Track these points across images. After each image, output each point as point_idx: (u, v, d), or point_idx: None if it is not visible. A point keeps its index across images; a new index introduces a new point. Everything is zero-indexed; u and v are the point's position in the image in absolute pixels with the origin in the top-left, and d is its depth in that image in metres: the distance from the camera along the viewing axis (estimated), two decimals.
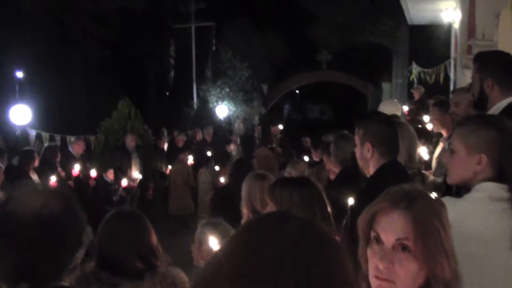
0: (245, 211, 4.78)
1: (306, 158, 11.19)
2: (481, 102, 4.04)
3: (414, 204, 2.04)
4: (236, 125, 18.63)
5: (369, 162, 3.79)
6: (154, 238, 3.23)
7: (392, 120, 4.00)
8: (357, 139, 3.86)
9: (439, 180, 6.17)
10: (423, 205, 2.04)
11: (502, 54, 4.18)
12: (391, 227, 2.03)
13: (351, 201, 3.84)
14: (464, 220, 2.65)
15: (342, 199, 4.76)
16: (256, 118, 14.93)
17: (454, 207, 2.69)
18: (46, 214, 2.14)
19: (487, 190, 2.71)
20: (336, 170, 5.89)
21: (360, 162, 3.90)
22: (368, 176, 3.93)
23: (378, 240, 2.07)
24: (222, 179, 10.05)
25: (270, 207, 3.29)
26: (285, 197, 3.22)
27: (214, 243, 3.57)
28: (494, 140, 2.72)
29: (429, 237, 2.00)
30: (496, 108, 3.94)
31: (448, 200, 2.81)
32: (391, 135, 3.80)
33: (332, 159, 5.95)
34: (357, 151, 3.89)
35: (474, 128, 2.79)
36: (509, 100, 3.95)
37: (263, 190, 4.48)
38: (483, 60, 4.08)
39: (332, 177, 6.07)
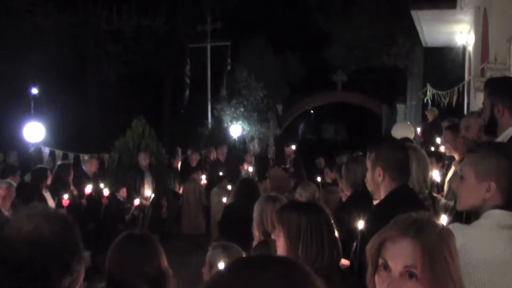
0: (256, 233, 4.79)
1: (318, 179, 11.16)
2: (492, 127, 4.05)
3: (422, 232, 2.06)
4: (251, 145, 18.64)
5: (380, 186, 3.81)
6: (164, 261, 3.24)
7: (403, 145, 4.03)
8: (368, 163, 3.89)
9: (451, 203, 6.17)
10: (431, 233, 2.06)
11: None
12: (399, 255, 2.05)
13: (361, 225, 3.85)
14: (473, 247, 2.66)
15: (352, 222, 4.77)
16: (271, 139, 14.92)
17: (463, 234, 2.71)
18: (36, 237, 2.15)
19: (495, 218, 2.72)
20: (348, 192, 5.91)
21: (370, 186, 3.93)
22: (378, 200, 3.95)
23: (386, 267, 2.08)
24: (224, 199, 10.08)
25: (278, 231, 3.30)
26: (293, 221, 3.23)
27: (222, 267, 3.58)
28: (503, 168, 2.74)
29: (437, 265, 2.02)
30: (506, 134, 3.95)
31: (457, 227, 2.83)
32: (402, 160, 3.82)
33: (343, 181, 5.97)
34: (369, 175, 3.92)
35: (484, 156, 2.81)
36: None
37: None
38: (494, 86, 4.11)
39: (344, 199, 6.08)
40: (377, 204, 3.89)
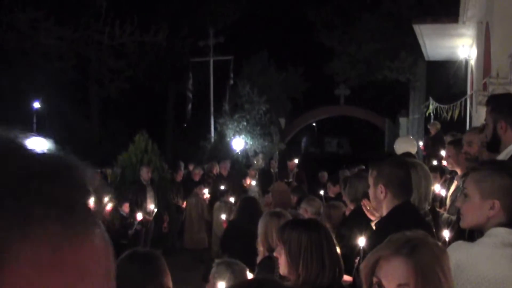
0: (261, 249, 4.81)
1: (321, 193, 11.14)
2: (494, 144, 4.07)
3: (415, 251, 2.08)
4: (255, 160, 18.63)
5: (382, 203, 3.83)
6: (168, 280, 3.21)
7: (405, 162, 4.05)
8: (371, 181, 3.91)
9: (453, 218, 6.16)
10: (424, 252, 2.09)
11: None
12: (393, 273, 2.07)
13: (362, 241, 3.85)
14: (476, 265, 2.67)
15: (353, 238, 4.77)
16: (276, 153, 14.94)
17: (466, 252, 2.73)
18: None
19: (499, 235, 2.73)
20: (351, 207, 5.91)
21: (373, 203, 3.95)
22: (379, 216, 3.96)
23: (380, 285, 2.11)
24: (223, 216, 10.06)
25: (279, 248, 3.32)
26: (293, 239, 3.24)
27: (222, 286, 3.59)
28: (507, 186, 2.74)
29: (430, 284, 2.05)
30: (509, 150, 3.96)
31: (460, 245, 2.85)
32: (404, 177, 3.84)
33: (345, 196, 5.98)
34: (371, 192, 3.94)
35: (488, 174, 2.82)
36: None
37: None
38: (496, 103, 4.13)
39: (348, 213, 6.09)
40: (379, 221, 3.90)
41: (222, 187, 14.40)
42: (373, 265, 2.13)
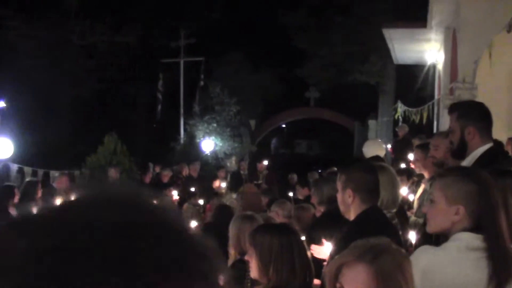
0: (232, 252, 4.83)
1: (291, 194, 11.20)
2: (461, 149, 4.15)
3: (378, 258, 2.13)
4: (228, 162, 18.63)
5: (350, 207, 3.88)
6: None
7: (374, 167, 4.11)
8: (339, 185, 3.97)
9: (420, 220, 6.27)
10: (387, 259, 2.14)
11: (479, 104, 4.34)
12: (354, 280, 2.12)
13: (328, 247, 3.90)
14: (442, 269, 2.74)
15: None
16: (247, 155, 14.96)
17: (432, 256, 2.80)
18: None
19: (464, 240, 2.80)
20: (321, 209, 5.97)
21: (341, 207, 4.00)
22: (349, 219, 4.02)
23: None
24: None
25: (251, 252, 3.36)
26: (264, 243, 3.29)
27: None
28: (472, 193, 2.82)
29: None
30: (474, 155, 4.06)
31: (426, 250, 2.92)
32: (372, 182, 3.91)
33: (314, 199, 6.05)
34: (339, 196, 3.99)
35: (454, 180, 2.90)
36: (485, 148, 4.09)
37: None
38: (463, 109, 4.22)
39: (318, 214, 6.14)
40: (347, 226, 3.96)
41: (193, 189, 14.38)
42: (336, 271, 2.18)
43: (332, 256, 3.70)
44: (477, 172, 3.02)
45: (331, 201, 5.47)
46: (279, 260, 3.23)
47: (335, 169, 17.94)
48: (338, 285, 2.16)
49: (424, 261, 2.77)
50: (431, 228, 3.06)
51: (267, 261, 3.24)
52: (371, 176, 3.90)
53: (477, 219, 2.83)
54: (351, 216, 3.90)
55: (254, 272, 3.32)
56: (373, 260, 2.12)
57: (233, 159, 20.08)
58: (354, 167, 3.96)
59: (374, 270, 2.10)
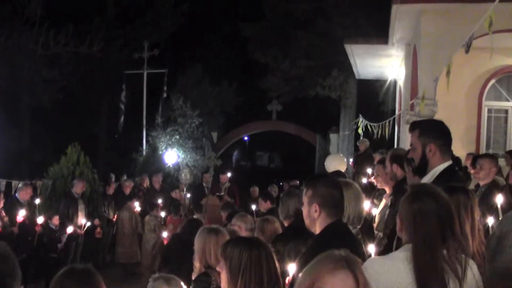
0: (197, 265, 4.87)
1: (253, 207, 11.26)
2: (422, 166, 4.30)
3: (355, 266, 2.30)
4: (183, 174, 18.58)
5: (315, 221, 3.98)
6: None
7: (339, 183, 4.21)
8: (305, 199, 4.04)
9: (380, 234, 6.44)
10: (359, 267, 2.33)
11: (439, 122, 4.47)
12: (341, 285, 2.25)
13: (292, 268, 3.97)
14: (386, 276, 3.02)
15: (287, 255, 4.92)
16: (211, 168, 14.98)
17: (378, 265, 3.05)
18: None
19: (408, 250, 3.07)
20: (285, 224, 6.05)
21: (306, 221, 4.08)
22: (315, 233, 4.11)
23: None
24: (164, 233, 10.03)
25: (222, 264, 3.43)
26: (235, 255, 3.36)
27: None
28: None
29: None
30: (434, 172, 4.22)
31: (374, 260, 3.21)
32: (338, 197, 4.01)
33: (279, 214, 6.13)
34: (304, 210, 4.06)
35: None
36: (445, 165, 4.25)
37: (217, 245, 4.62)
38: (424, 127, 4.36)
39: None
40: (312, 239, 4.05)
41: (160, 201, 14.37)
42: (312, 281, 2.29)
43: (298, 270, 3.78)
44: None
45: (297, 215, 5.58)
46: (247, 273, 3.30)
47: (297, 182, 18.12)
48: None
49: (372, 270, 3.00)
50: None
51: (236, 274, 3.32)
52: (337, 192, 4.00)
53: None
54: (317, 229, 3.99)
55: (223, 284, 3.39)
56: (352, 267, 2.28)
57: (187, 171, 20.02)
58: (320, 182, 4.03)
59: (356, 277, 2.26)
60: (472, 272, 3.12)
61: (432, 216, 3.03)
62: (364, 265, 3.00)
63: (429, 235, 3.00)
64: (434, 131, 4.32)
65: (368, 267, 3.00)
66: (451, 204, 3.13)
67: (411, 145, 4.43)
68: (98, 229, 13.82)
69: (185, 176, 18.86)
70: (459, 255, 3.06)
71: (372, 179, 10.13)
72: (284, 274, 3.86)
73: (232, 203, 13.75)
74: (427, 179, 4.21)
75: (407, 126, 11.47)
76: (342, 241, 3.31)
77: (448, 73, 7.62)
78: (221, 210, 10.62)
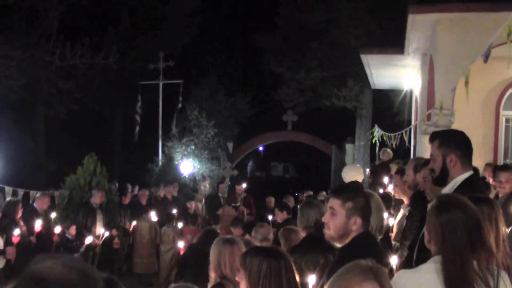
0: (213, 275, 4.85)
1: (270, 217, 11.23)
2: (443, 177, 4.26)
3: (381, 277, 2.34)
4: (202, 186, 18.61)
5: (350, 234, 3.86)
6: None
7: (368, 194, 4.18)
8: (341, 211, 3.86)
9: (398, 245, 6.41)
10: (386, 278, 2.37)
11: (459, 132, 4.43)
12: None
13: (312, 279, 3.93)
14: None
15: (305, 266, 4.89)
16: (227, 179, 15.01)
17: (408, 278, 3.03)
18: None
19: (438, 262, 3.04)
20: (302, 234, 6.02)
21: (338, 232, 3.90)
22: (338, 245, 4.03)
23: None
24: (181, 243, 10.01)
25: (241, 274, 3.42)
26: (254, 265, 3.36)
27: None
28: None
29: None
30: (455, 182, 4.18)
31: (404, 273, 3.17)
32: (371, 209, 4.03)
33: (298, 224, 6.09)
34: (339, 222, 3.87)
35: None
36: (466, 175, 4.21)
37: (232, 255, 4.60)
38: (444, 138, 4.32)
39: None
40: (341, 250, 3.92)
41: (174, 211, 14.39)
42: None
43: (325, 280, 3.71)
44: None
45: (316, 225, 5.55)
46: (267, 283, 3.30)
47: (311, 192, 18.01)
48: None
49: (401, 283, 2.99)
50: None
51: (256, 284, 3.32)
52: (369, 203, 3.98)
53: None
54: (346, 240, 3.88)
55: None
56: (379, 278, 2.32)
57: (207, 182, 20.04)
58: (359, 194, 3.95)
59: (381, 286, 2.30)
60: (505, 283, 3.08)
61: (460, 226, 2.99)
62: (394, 279, 3.02)
63: (458, 246, 2.96)
64: (454, 142, 4.28)
65: (398, 280, 3.01)
66: (479, 214, 3.10)
67: (431, 155, 4.39)
68: (116, 239, 13.83)
69: (205, 188, 18.88)
70: (491, 266, 3.02)
71: (389, 190, 10.10)
72: (303, 285, 3.83)
73: (240, 217, 13.73)
74: (448, 189, 4.17)
75: (424, 136, 11.45)
76: (371, 252, 3.28)
77: (466, 83, 7.58)
78: (231, 226, 10.55)
